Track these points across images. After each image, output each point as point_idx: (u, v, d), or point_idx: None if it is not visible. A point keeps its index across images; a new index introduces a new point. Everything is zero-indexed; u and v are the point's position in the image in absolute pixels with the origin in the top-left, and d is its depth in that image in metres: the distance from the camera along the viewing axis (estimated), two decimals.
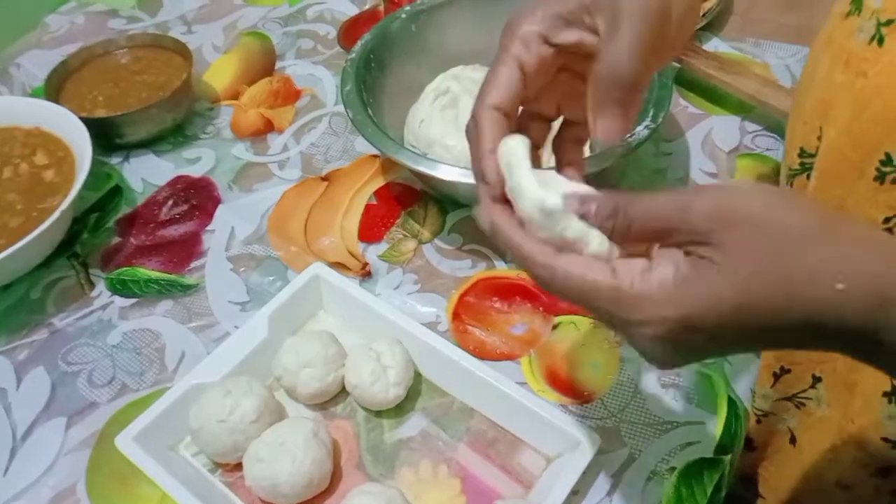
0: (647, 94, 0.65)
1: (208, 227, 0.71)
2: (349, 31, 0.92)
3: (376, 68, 0.73)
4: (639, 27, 0.37)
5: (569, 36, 0.39)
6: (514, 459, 0.53)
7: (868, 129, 0.43)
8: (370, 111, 0.67)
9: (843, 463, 0.53)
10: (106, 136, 0.76)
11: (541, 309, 0.62)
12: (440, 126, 0.69)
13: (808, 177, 0.50)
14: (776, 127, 0.75)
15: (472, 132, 0.41)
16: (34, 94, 0.84)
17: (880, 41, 0.42)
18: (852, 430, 0.51)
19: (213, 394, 0.52)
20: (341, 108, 0.79)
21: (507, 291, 0.64)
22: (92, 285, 0.66)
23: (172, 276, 0.67)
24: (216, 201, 0.73)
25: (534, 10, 0.40)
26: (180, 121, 0.80)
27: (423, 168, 0.62)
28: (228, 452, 0.52)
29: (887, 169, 0.42)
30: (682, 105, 0.79)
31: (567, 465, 0.49)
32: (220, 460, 0.53)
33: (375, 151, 0.75)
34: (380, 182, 0.74)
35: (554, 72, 0.42)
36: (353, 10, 0.95)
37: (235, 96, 0.84)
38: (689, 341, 0.33)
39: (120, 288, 0.66)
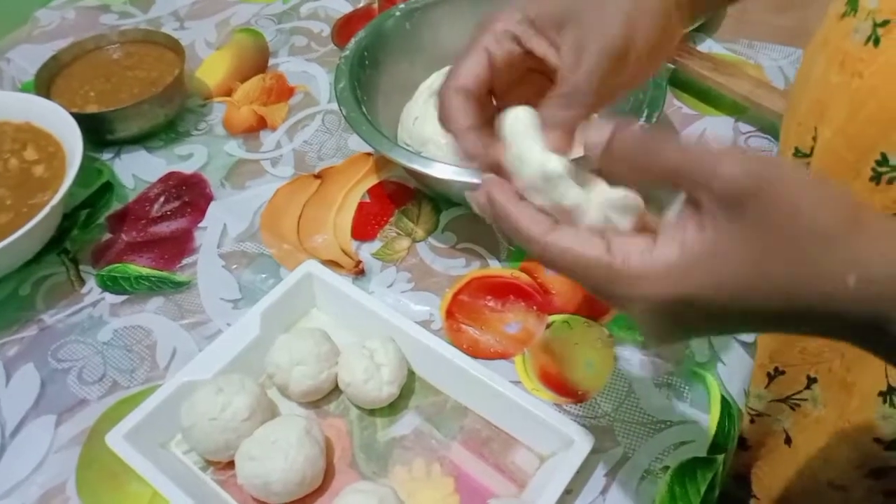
0: (642, 94, 0.65)
1: (200, 224, 0.70)
2: (343, 29, 0.92)
3: (370, 66, 0.73)
4: (599, 62, 0.38)
5: (538, 45, 0.41)
6: (507, 458, 0.53)
7: (863, 130, 0.43)
8: (364, 109, 0.67)
9: (837, 464, 0.53)
10: (97, 131, 0.75)
11: (535, 308, 0.62)
12: (434, 124, 0.68)
13: None
14: (770, 128, 0.75)
15: (441, 115, 0.41)
16: (24, 89, 0.83)
17: (876, 42, 0.42)
18: (847, 430, 0.52)
19: (204, 391, 0.52)
20: (335, 105, 0.79)
21: (500, 290, 0.64)
22: (82, 282, 0.66)
23: (164, 273, 0.66)
24: (208, 198, 0.73)
25: (511, 13, 0.41)
26: (172, 117, 0.79)
27: (417, 166, 0.62)
28: (220, 450, 0.52)
29: (883, 169, 0.42)
30: (676, 106, 0.80)
31: (561, 464, 0.49)
32: (212, 458, 0.53)
33: (369, 149, 0.75)
34: (373, 180, 0.73)
35: (522, 71, 0.42)
36: (347, 8, 0.95)
37: (228, 93, 0.84)
38: (687, 317, 0.32)
39: (111, 284, 0.65)
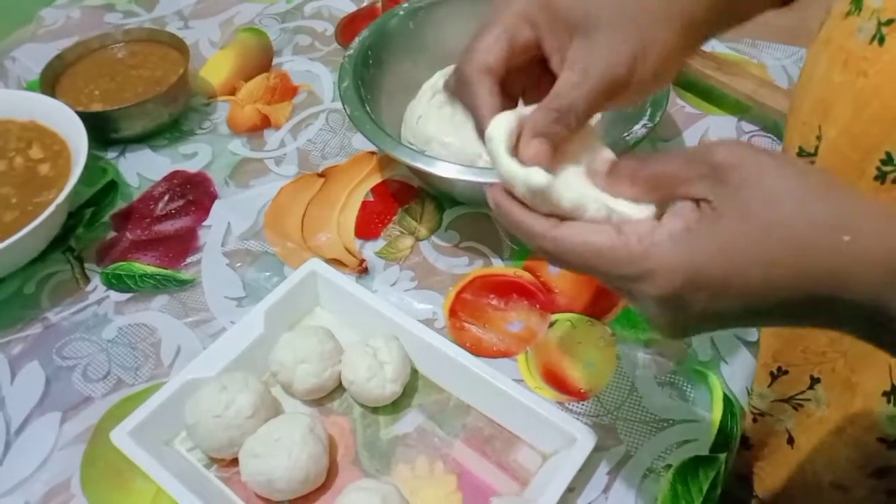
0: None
1: (204, 223, 0.70)
2: (347, 28, 0.92)
3: (374, 65, 0.73)
4: (599, 87, 0.38)
5: (549, 44, 0.40)
6: (510, 456, 0.53)
7: (868, 129, 0.43)
8: (368, 108, 0.67)
9: (840, 464, 0.53)
10: (102, 130, 0.75)
11: (537, 306, 0.62)
12: (437, 123, 0.69)
13: None
14: (773, 127, 0.75)
15: (466, 95, 0.41)
16: (29, 88, 0.83)
17: (881, 41, 0.42)
18: (850, 430, 0.52)
19: (208, 389, 0.52)
20: (339, 104, 0.78)
21: (503, 289, 0.64)
22: (87, 280, 0.66)
23: (168, 271, 0.66)
24: (212, 197, 0.73)
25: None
26: (176, 116, 0.79)
27: (420, 165, 0.62)
28: (224, 447, 0.52)
29: (888, 168, 0.42)
30: (680, 105, 0.80)
31: (563, 462, 0.50)
32: (216, 455, 0.53)
33: (372, 148, 0.75)
34: (377, 179, 0.74)
35: (529, 59, 0.42)
36: (350, 7, 0.95)
37: (232, 92, 0.84)
38: (693, 301, 0.32)
39: (115, 283, 0.66)
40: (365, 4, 0.95)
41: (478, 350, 0.59)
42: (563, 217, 0.36)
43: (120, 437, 0.51)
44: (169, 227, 0.70)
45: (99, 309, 0.64)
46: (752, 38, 0.87)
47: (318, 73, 0.86)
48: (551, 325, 0.61)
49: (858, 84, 0.44)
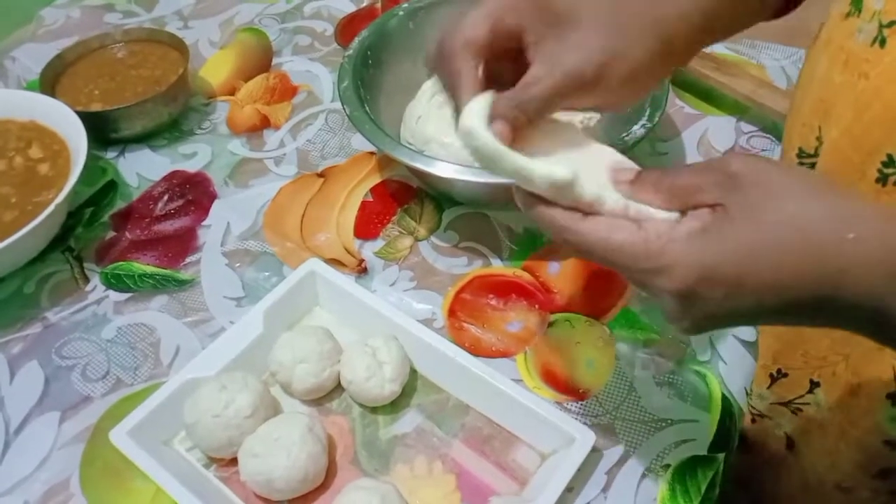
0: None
1: (204, 223, 0.70)
2: (346, 28, 0.92)
3: (373, 65, 0.73)
4: (560, 85, 0.39)
5: (529, 34, 0.41)
6: (508, 456, 0.53)
7: (869, 131, 0.43)
8: (367, 108, 0.67)
9: (844, 466, 0.53)
10: (101, 130, 0.75)
11: (536, 306, 0.62)
12: (437, 123, 0.69)
13: None
14: (772, 128, 0.75)
15: (446, 69, 0.42)
16: (29, 88, 0.84)
17: (882, 42, 0.42)
18: (854, 433, 0.51)
19: (207, 389, 0.52)
20: (338, 104, 0.79)
21: (502, 289, 0.64)
22: (86, 279, 0.66)
23: (167, 271, 0.66)
24: (212, 196, 0.73)
25: None
26: (176, 116, 0.80)
27: (419, 165, 0.62)
28: (223, 447, 0.52)
29: (889, 170, 0.42)
30: (679, 105, 0.80)
31: (562, 462, 0.50)
32: (215, 455, 0.53)
33: (372, 148, 0.75)
34: (376, 179, 0.74)
35: (511, 48, 0.43)
36: (350, 7, 0.95)
37: (232, 92, 0.84)
38: (708, 298, 0.34)
39: (114, 282, 0.66)
40: (364, 5, 0.96)
41: (477, 350, 0.59)
42: (583, 210, 0.38)
43: (119, 436, 0.51)
44: (168, 226, 0.70)
45: (98, 309, 0.64)
46: (750, 38, 0.87)
47: (317, 74, 0.86)
48: (550, 325, 0.61)
49: (860, 86, 0.44)
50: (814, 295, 0.33)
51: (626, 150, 0.62)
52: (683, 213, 0.36)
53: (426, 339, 0.56)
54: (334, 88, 0.83)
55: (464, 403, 0.56)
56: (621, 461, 0.53)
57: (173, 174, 0.75)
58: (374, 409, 0.56)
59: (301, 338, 0.56)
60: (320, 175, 0.75)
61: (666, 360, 0.58)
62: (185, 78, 0.78)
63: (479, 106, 0.39)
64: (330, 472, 0.52)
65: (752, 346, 0.59)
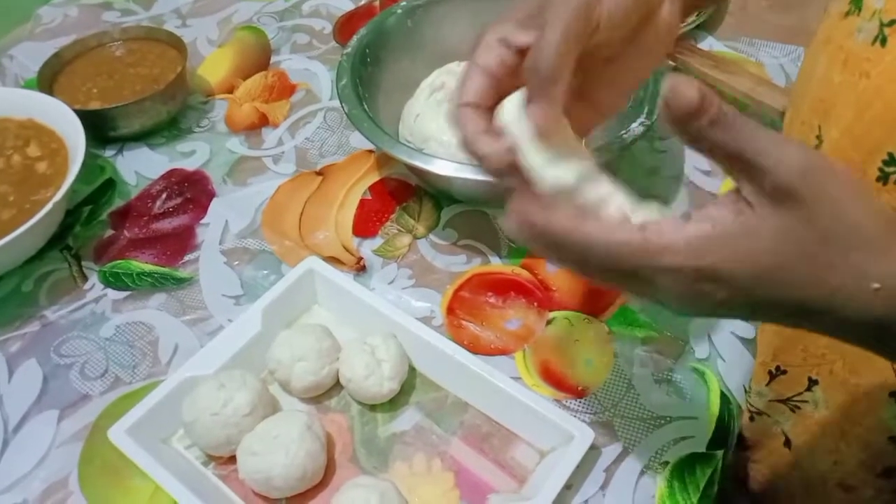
0: (642, 91, 0.65)
1: (202, 221, 0.70)
2: (345, 27, 0.92)
3: (372, 63, 0.73)
4: (561, 23, 0.38)
5: (523, 38, 0.41)
6: (507, 453, 0.53)
7: (870, 130, 0.43)
8: (365, 106, 0.67)
9: (848, 465, 0.53)
10: (99, 128, 0.75)
11: (535, 304, 0.62)
12: (435, 121, 0.69)
13: None
14: (771, 126, 0.74)
15: (457, 133, 0.42)
16: (27, 86, 0.83)
17: (883, 41, 0.42)
18: (856, 432, 0.51)
19: (206, 387, 0.52)
20: (336, 102, 0.79)
21: (501, 287, 0.64)
22: (85, 278, 0.66)
23: (166, 270, 0.66)
24: (210, 195, 0.73)
25: (501, 20, 0.43)
26: (174, 114, 0.79)
27: (418, 163, 0.62)
28: (222, 445, 0.52)
29: (890, 169, 0.42)
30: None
31: (560, 460, 0.50)
32: (214, 453, 0.53)
33: (370, 146, 0.75)
34: (375, 177, 0.74)
35: (521, 72, 0.43)
36: (348, 5, 0.95)
37: (230, 90, 0.84)
38: (711, 294, 0.33)
39: (113, 281, 0.66)
40: (363, 2, 0.95)
41: (475, 348, 0.59)
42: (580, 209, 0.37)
43: (117, 434, 0.51)
44: (167, 225, 0.70)
45: (97, 307, 0.64)
46: (750, 36, 0.87)
47: (316, 72, 0.86)
48: (549, 322, 0.61)
49: (860, 85, 0.44)
50: (820, 318, 0.33)
51: (626, 147, 0.62)
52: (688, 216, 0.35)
53: (425, 337, 0.56)
54: (333, 86, 0.83)
55: (462, 401, 0.56)
56: (620, 458, 0.53)
57: (172, 172, 0.75)
58: (372, 407, 0.56)
59: (299, 336, 0.56)
60: (319, 173, 0.75)
61: (664, 358, 0.58)
62: (184, 76, 0.78)
63: (515, 98, 0.39)
64: (329, 469, 0.52)
65: (750, 344, 0.59)
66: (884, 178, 0.43)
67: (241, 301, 0.64)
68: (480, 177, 0.61)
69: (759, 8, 0.91)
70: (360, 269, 0.66)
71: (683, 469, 0.52)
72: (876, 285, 0.31)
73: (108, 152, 0.77)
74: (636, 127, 0.62)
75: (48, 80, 0.78)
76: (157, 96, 0.75)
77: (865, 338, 0.35)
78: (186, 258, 0.67)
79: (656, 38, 0.44)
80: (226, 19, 0.94)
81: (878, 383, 0.49)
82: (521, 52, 0.42)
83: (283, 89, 0.84)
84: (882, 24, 0.42)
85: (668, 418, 0.55)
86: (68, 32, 0.91)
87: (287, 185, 0.73)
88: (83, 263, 0.67)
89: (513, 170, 0.40)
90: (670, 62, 0.80)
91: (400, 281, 0.65)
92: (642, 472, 0.52)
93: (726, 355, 0.59)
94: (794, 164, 0.31)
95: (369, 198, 0.72)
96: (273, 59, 0.88)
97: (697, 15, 0.86)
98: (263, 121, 0.80)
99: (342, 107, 0.67)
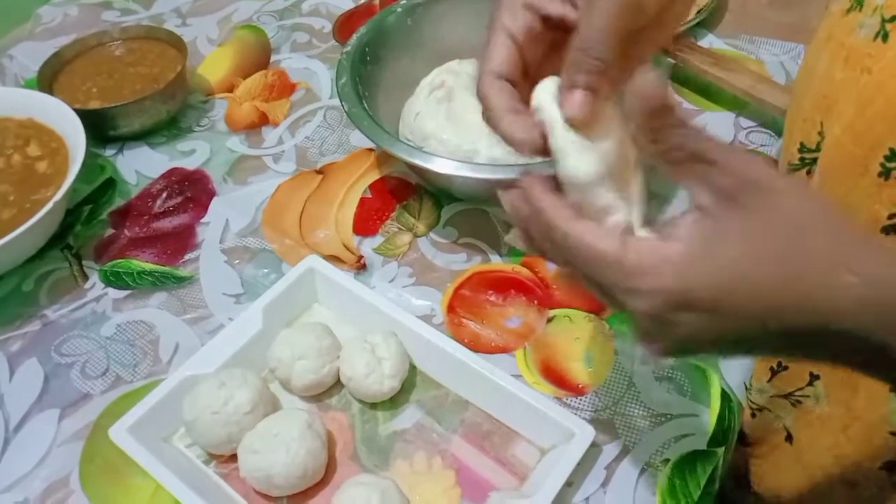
0: None
1: (203, 220, 0.70)
2: (345, 25, 0.92)
3: (372, 62, 0.73)
4: (612, 4, 0.37)
5: (554, 8, 0.40)
6: (508, 451, 0.53)
7: (872, 126, 0.43)
8: (365, 105, 0.67)
9: (850, 460, 0.53)
10: (99, 127, 0.75)
11: (535, 302, 0.62)
12: (435, 120, 0.69)
13: (809, 172, 0.50)
14: (771, 123, 0.75)
15: (483, 106, 0.41)
16: (27, 86, 0.84)
17: (884, 37, 0.42)
18: (858, 426, 0.51)
19: (207, 385, 0.52)
20: (336, 101, 0.79)
21: (502, 285, 0.64)
22: (85, 277, 0.66)
23: (166, 268, 0.66)
24: (210, 194, 0.73)
25: None
26: (174, 113, 0.79)
27: (418, 161, 0.62)
28: (223, 444, 0.52)
29: (892, 164, 0.42)
30: (677, 101, 0.80)
31: (561, 457, 0.50)
32: (215, 451, 0.53)
33: (370, 145, 0.75)
34: (375, 175, 0.74)
35: (547, 44, 0.42)
36: (348, 4, 0.95)
37: (230, 89, 0.84)
38: (681, 322, 0.33)
39: (113, 280, 0.66)
40: (363, 1, 0.95)
41: (476, 346, 0.59)
42: (587, 212, 0.37)
43: (118, 433, 0.51)
44: (167, 224, 0.70)
45: (97, 306, 0.64)
46: (750, 34, 0.87)
47: (315, 70, 0.86)
48: (549, 320, 0.61)
49: (862, 81, 0.44)
50: (799, 327, 0.32)
51: None
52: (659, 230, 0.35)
53: (425, 336, 0.56)
54: (332, 85, 0.83)
55: (463, 399, 0.56)
56: (621, 456, 0.53)
57: (172, 171, 0.75)
58: (373, 405, 0.56)
59: (300, 334, 0.56)
60: (319, 172, 0.75)
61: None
62: (184, 75, 0.78)
63: (550, 82, 0.38)
64: (329, 468, 0.52)
65: None
66: (885, 173, 0.43)
67: (241, 300, 0.64)
68: (481, 175, 0.61)
69: (759, 5, 0.91)
70: (361, 267, 0.66)
71: (684, 466, 0.52)
72: (853, 279, 0.30)
73: (109, 151, 0.77)
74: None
75: (48, 79, 0.78)
76: (157, 95, 0.75)
77: (853, 355, 0.33)
78: (187, 257, 0.67)
79: (673, 13, 0.42)
80: (225, 18, 0.94)
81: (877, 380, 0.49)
82: (547, 21, 0.40)
83: (283, 88, 0.84)
84: (884, 20, 0.42)
85: (668, 416, 0.55)
86: (68, 32, 0.91)
87: (287, 184, 0.73)
88: (84, 262, 0.67)
89: (538, 152, 0.38)
90: (670, 60, 0.80)
91: (400, 279, 0.65)
92: (643, 470, 0.52)
93: None
94: (753, 158, 0.32)
95: (369, 196, 0.72)
96: (273, 57, 0.88)
97: (698, 13, 0.86)
98: (263, 120, 0.80)
99: (342, 105, 0.67)
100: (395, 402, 0.56)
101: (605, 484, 0.52)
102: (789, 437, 0.59)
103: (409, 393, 0.57)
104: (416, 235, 0.68)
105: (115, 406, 0.57)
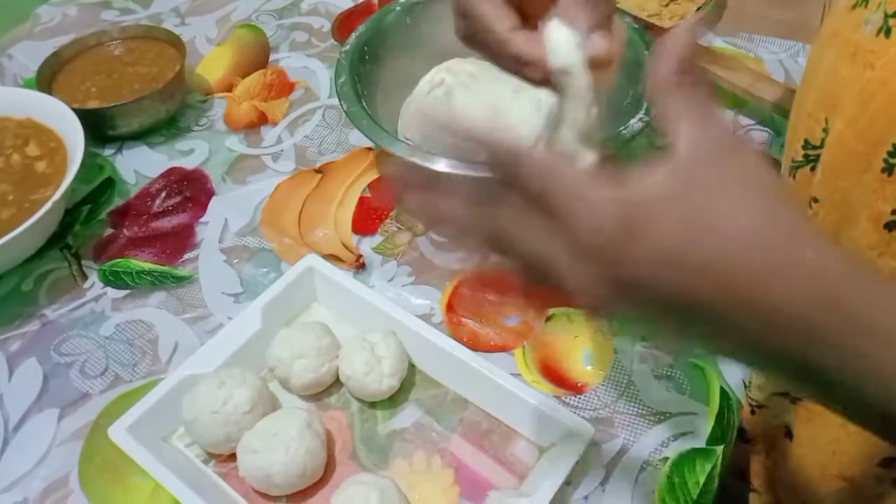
0: (640, 87, 0.65)
1: (202, 219, 0.70)
2: (343, 24, 0.92)
3: (370, 61, 0.73)
4: None
5: None
6: (507, 450, 0.53)
7: (874, 121, 0.43)
8: (364, 103, 0.67)
9: (848, 455, 0.53)
10: (98, 127, 0.75)
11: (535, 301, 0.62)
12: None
13: (813, 168, 0.50)
14: (769, 121, 0.75)
15: (474, 25, 0.40)
16: (26, 86, 0.83)
17: (887, 32, 0.42)
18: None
19: (206, 385, 0.52)
20: (335, 100, 0.79)
21: (501, 283, 0.64)
22: (84, 277, 0.66)
23: (165, 268, 0.66)
24: (209, 193, 0.73)
25: None
26: (173, 113, 0.79)
27: (417, 160, 0.62)
28: (222, 443, 0.52)
29: (895, 160, 0.42)
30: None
31: (560, 456, 0.50)
32: (214, 451, 0.53)
33: (369, 144, 0.75)
34: (374, 174, 0.74)
35: None
36: (347, 3, 0.95)
37: (229, 88, 0.84)
38: (627, 258, 0.30)
39: (112, 279, 0.66)
40: (361, 0, 0.95)
41: (475, 345, 0.59)
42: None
43: (118, 433, 0.51)
44: (166, 223, 0.70)
45: (96, 306, 0.64)
46: (748, 32, 0.87)
47: (314, 70, 0.86)
48: (548, 319, 0.61)
49: (865, 76, 0.44)
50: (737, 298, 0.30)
51: (624, 143, 0.62)
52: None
53: (424, 334, 0.56)
54: (331, 84, 0.83)
55: (462, 398, 0.56)
56: (620, 454, 0.53)
57: (171, 171, 0.75)
58: (372, 404, 0.56)
59: (299, 333, 0.56)
60: (318, 171, 0.75)
61: (664, 354, 0.58)
62: (182, 75, 0.78)
63: (560, 28, 0.38)
64: (329, 467, 0.52)
65: None
66: (888, 169, 0.43)
67: (240, 299, 0.64)
68: (479, 174, 0.61)
69: (757, 4, 0.91)
70: (360, 266, 0.66)
71: (684, 465, 0.53)
72: (809, 252, 0.29)
73: (108, 151, 0.77)
74: (635, 123, 0.62)
75: (47, 79, 0.78)
76: (156, 95, 0.75)
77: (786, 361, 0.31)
78: (186, 256, 0.67)
79: None
80: (224, 17, 0.94)
81: None
82: None
83: (282, 87, 0.84)
84: (887, 16, 0.42)
85: (667, 414, 0.55)
86: (67, 31, 0.91)
87: (286, 183, 0.73)
88: (83, 262, 0.67)
89: (547, 79, 0.38)
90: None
91: (399, 278, 0.65)
92: (642, 468, 0.52)
93: None
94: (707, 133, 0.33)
95: (368, 195, 0.72)
96: (272, 57, 0.88)
97: (696, 11, 0.86)
98: (262, 119, 0.80)
99: (341, 104, 0.67)
100: (394, 401, 0.56)
101: (604, 482, 0.52)
102: (789, 434, 0.59)
103: (409, 392, 0.57)
104: (415, 234, 0.68)
105: (114, 405, 0.57)
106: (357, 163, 0.75)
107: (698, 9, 0.86)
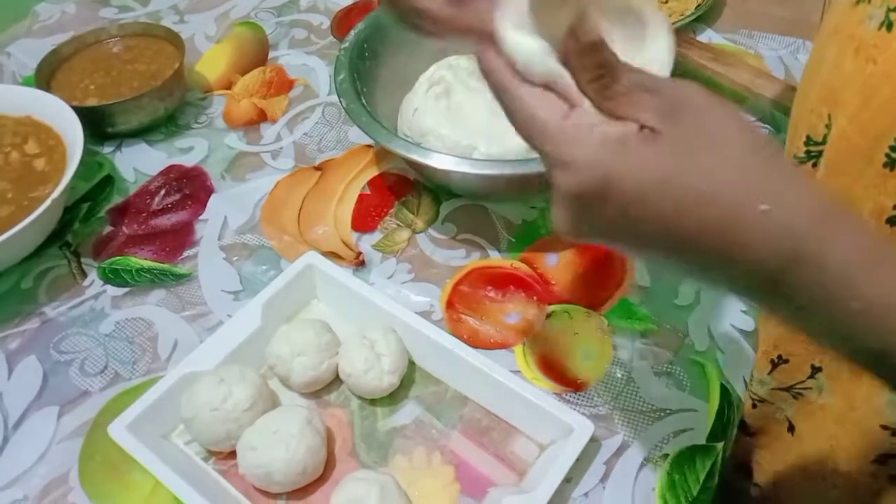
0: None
1: (201, 217, 0.70)
2: (343, 21, 0.92)
3: (370, 58, 0.73)
4: None
5: None
6: (507, 447, 0.53)
7: (877, 116, 0.43)
8: (363, 101, 0.67)
9: (843, 451, 0.53)
10: (97, 125, 0.75)
11: (535, 298, 0.62)
12: (434, 115, 0.69)
13: (815, 164, 0.50)
14: (769, 118, 0.75)
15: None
16: (25, 83, 0.83)
17: (889, 27, 0.42)
18: (853, 417, 0.51)
19: (206, 382, 0.52)
20: (335, 97, 0.79)
21: (500, 281, 0.64)
22: (84, 274, 0.66)
23: (165, 266, 0.66)
24: (209, 191, 0.73)
25: None
26: (172, 110, 0.79)
27: (416, 157, 0.62)
28: (222, 440, 0.52)
29: None
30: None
31: (560, 453, 0.50)
32: (214, 448, 0.53)
33: (369, 141, 0.75)
34: (373, 172, 0.74)
35: None
36: (346, 0, 0.95)
37: (228, 86, 0.84)
38: (599, 210, 0.33)
39: (112, 277, 0.66)
40: None
41: (475, 342, 0.59)
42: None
43: (117, 430, 0.51)
44: (165, 221, 0.70)
45: (96, 303, 0.64)
46: (748, 28, 0.87)
47: (313, 67, 0.86)
48: (548, 316, 0.61)
49: (867, 71, 0.44)
50: (711, 248, 0.33)
51: None
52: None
53: (424, 332, 0.56)
54: (331, 81, 0.83)
55: (462, 395, 0.56)
56: (620, 451, 0.53)
57: (170, 169, 0.75)
58: (372, 402, 0.56)
59: (299, 331, 0.56)
60: (317, 168, 0.74)
61: (664, 351, 0.58)
62: (181, 72, 0.78)
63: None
64: (329, 464, 0.52)
65: (750, 336, 0.59)
66: (891, 164, 0.43)
67: (240, 296, 0.64)
68: (479, 171, 0.61)
69: (757, 0, 0.91)
70: (360, 263, 0.66)
71: (683, 461, 0.52)
72: (764, 206, 0.31)
73: (107, 149, 0.77)
74: None
75: (46, 76, 0.78)
76: (155, 93, 0.75)
77: (751, 292, 0.34)
78: (185, 254, 0.67)
79: None
80: (223, 15, 0.94)
81: None
82: None
83: (281, 85, 0.84)
84: (889, 10, 0.42)
85: (667, 411, 0.55)
86: (66, 29, 0.91)
87: (286, 181, 0.73)
88: (82, 260, 0.67)
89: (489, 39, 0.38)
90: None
91: (399, 275, 0.65)
92: (642, 465, 0.52)
93: (725, 347, 0.59)
94: (686, 83, 0.34)
95: (368, 192, 0.72)
96: (271, 54, 0.88)
97: (696, 7, 0.86)
98: (262, 116, 0.80)
99: (340, 102, 0.67)
100: (394, 398, 0.56)
101: (604, 479, 0.52)
102: (791, 428, 0.59)
103: (408, 389, 0.57)
104: (414, 231, 0.68)
105: (113, 403, 0.57)
106: (356, 160, 0.75)
107: (697, 6, 0.86)
